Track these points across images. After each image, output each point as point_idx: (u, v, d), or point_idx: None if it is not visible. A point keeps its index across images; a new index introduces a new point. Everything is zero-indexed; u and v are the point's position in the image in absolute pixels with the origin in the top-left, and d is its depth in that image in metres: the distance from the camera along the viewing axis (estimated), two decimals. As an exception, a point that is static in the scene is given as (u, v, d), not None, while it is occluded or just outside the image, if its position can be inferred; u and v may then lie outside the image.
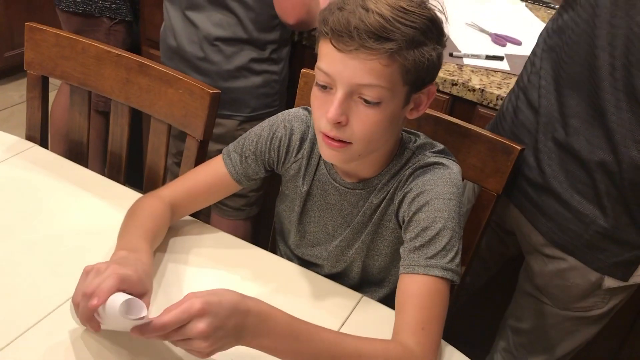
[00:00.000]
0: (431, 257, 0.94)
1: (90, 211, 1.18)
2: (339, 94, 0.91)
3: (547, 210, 1.20)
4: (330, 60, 0.91)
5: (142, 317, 0.79)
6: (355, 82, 0.90)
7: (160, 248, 1.08)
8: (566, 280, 1.23)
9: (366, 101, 0.91)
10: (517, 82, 1.29)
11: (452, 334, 1.03)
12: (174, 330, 0.76)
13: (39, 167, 1.27)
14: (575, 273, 1.21)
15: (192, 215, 1.18)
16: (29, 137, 1.42)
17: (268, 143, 1.11)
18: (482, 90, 1.52)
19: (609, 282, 1.19)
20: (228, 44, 1.56)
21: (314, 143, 1.10)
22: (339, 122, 0.92)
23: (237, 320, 0.78)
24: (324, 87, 0.94)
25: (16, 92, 3.18)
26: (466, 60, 1.64)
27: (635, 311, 1.64)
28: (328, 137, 0.95)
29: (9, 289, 0.99)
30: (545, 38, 1.22)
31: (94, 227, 1.14)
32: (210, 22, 1.55)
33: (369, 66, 0.88)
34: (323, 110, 0.93)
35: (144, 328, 0.76)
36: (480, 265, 1.49)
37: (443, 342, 0.97)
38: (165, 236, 1.10)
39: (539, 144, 1.19)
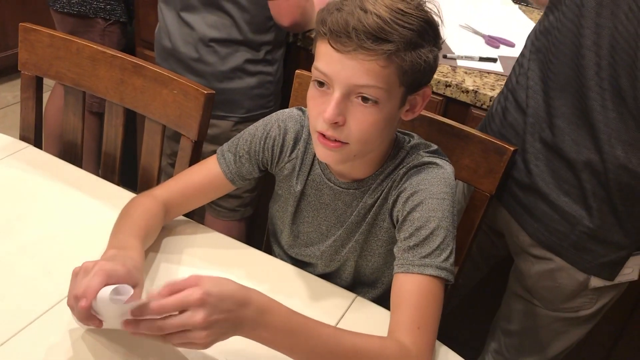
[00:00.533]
0: (425, 257, 0.95)
1: (85, 211, 1.18)
2: (336, 94, 0.91)
3: (534, 210, 1.20)
4: (328, 60, 0.91)
5: (132, 295, 0.81)
6: (352, 82, 0.90)
7: (153, 248, 1.08)
8: (554, 281, 1.23)
9: (363, 101, 0.92)
10: (505, 84, 1.29)
11: (444, 334, 1.03)
12: (173, 319, 0.76)
13: (33, 168, 1.27)
14: (563, 273, 1.21)
15: (185, 215, 1.18)
16: (23, 138, 1.42)
17: (262, 142, 1.11)
18: (476, 91, 1.53)
19: (595, 282, 1.20)
20: (223, 45, 1.56)
21: (307, 143, 1.10)
22: (336, 122, 0.93)
23: (237, 311, 0.79)
24: (321, 85, 0.94)
25: (10, 92, 3.17)
26: (460, 62, 1.64)
27: (628, 311, 1.65)
28: (324, 137, 0.95)
29: (3, 288, 0.99)
30: (532, 40, 1.22)
31: (88, 227, 1.14)
32: (205, 23, 1.56)
33: (366, 67, 0.89)
34: (320, 110, 0.94)
35: (142, 309, 0.76)
36: (471, 266, 1.49)
37: (437, 343, 0.97)
38: (158, 236, 1.09)
39: (527, 144, 1.20)
